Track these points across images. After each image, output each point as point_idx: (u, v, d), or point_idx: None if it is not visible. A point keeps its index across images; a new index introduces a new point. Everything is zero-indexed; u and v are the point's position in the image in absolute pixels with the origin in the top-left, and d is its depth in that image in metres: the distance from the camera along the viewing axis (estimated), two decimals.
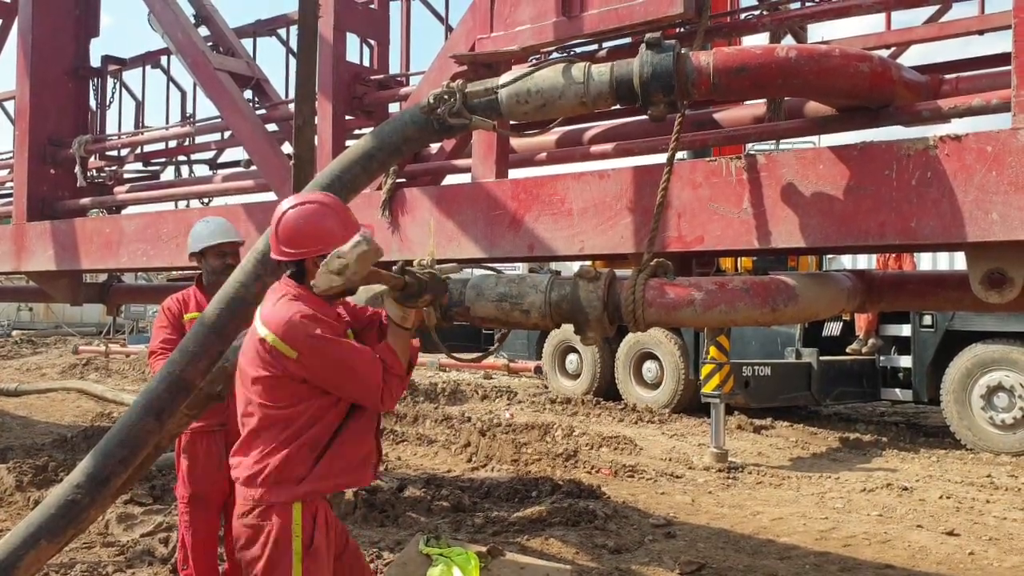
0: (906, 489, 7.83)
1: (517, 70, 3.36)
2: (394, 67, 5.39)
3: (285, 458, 2.74)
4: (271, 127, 5.87)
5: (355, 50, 5.22)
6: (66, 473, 4.25)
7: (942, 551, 6.11)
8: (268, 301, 2.85)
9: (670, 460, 9.03)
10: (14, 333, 26.75)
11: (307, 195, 2.97)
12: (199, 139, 6.91)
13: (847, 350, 11.22)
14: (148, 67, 7.31)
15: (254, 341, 2.79)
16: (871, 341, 11.02)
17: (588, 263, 3.63)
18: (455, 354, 3.58)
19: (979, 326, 9.94)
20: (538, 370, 14.48)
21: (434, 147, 4.60)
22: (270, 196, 5.35)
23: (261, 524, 2.76)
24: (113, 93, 7.35)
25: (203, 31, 6.24)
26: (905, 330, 10.78)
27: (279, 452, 2.75)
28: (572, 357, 13.55)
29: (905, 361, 10.84)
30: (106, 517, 5.68)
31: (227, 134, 6.45)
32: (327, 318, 2.77)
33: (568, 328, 3.31)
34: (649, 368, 12.43)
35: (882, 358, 11.10)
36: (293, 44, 5.79)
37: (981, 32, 3.40)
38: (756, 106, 3.85)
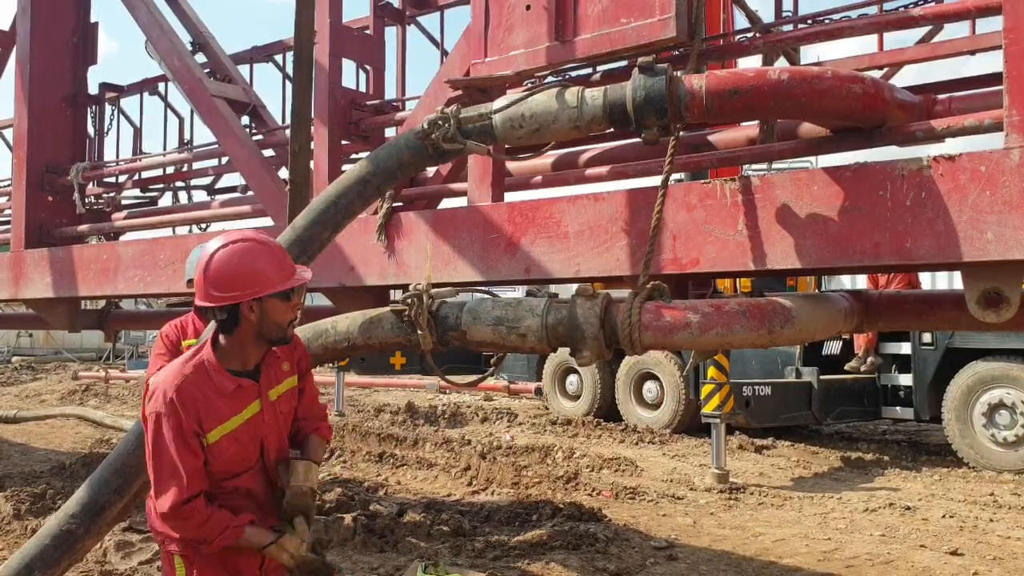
0: (909, 508, 7.78)
1: (511, 95, 3.37)
2: (390, 92, 5.41)
3: None
4: (268, 153, 5.89)
5: (351, 75, 5.25)
6: (64, 501, 4.22)
7: (946, 571, 6.06)
8: (179, 358, 2.66)
9: (671, 481, 8.97)
10: (14, 359, 26.69)
11: (238, 234, 2.67)
12: (196, 165, 6.93)
13: (845, 368, 11.19)
14: (146, 94, 7.35)
15: None
16: (870, 359, 10.98)
17: (586, 284, 3.63)
18: (452, 378, 3.57)
19: (979, 343, 9.90)
20: (538, 391, 14.45)
21: (430, 171, 4.62)
22: (268, 221, 5.36)
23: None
24: (111, 120, 7.40)
25: (200, 58, 6.29)
26: (905, 348, 10.75)
27: None
28: (572, 378, 13.52)
29: (906, 379, 10.79)
30: (104, 545, 5.64)
31: (224, 160, 6.47)
32: (198, 405, 2.53)
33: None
34: (649, 388, 12.40)
35: (883, 376, 11.05)
36: (290, 70, 5.82)
37: (972, 52, 3.42)
38: (751, 127, 3.87)
